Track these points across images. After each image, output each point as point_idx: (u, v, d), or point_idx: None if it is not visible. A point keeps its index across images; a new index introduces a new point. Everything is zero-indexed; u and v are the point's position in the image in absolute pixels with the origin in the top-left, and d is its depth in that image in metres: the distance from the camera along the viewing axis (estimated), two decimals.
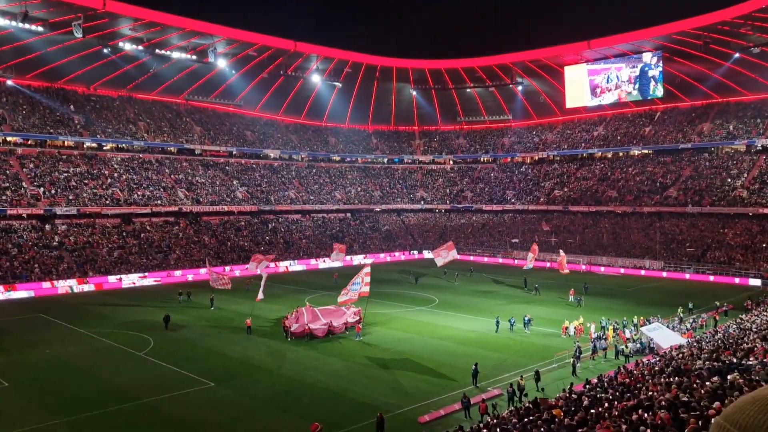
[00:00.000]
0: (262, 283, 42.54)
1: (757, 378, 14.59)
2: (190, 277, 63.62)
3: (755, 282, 58.77)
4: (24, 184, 64.27)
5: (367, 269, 38.70)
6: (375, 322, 40.60)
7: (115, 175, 72.81)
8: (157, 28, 71.88)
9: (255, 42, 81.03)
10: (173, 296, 50.15)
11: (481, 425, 18.28)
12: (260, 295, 41.81)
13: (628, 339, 33.89)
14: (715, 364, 19.13)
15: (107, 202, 67.95)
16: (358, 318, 38.53)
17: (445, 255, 55.33)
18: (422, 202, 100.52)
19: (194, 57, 79.24)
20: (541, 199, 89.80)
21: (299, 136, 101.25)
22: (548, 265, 68.10)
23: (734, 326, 32.24)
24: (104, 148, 75.81)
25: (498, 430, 16.80)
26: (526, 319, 38.46)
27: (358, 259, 79.34)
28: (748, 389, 13.47)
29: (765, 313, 35.35)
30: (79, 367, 30.44)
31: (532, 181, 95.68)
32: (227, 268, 65.17)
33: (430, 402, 25.06)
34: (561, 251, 60.31)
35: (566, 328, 37.15)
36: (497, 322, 38.24)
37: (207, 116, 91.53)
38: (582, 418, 15.60)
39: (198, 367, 30.28)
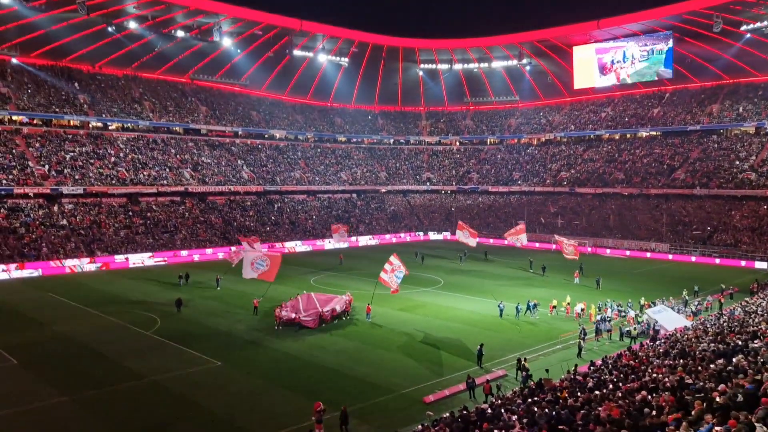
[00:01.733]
0: (245, 262, 41.13)
1: (762, 360, 14.57)
2: (196, 257, 63.94)
3: (761, 265, 58.57)
4: (30, 163, 64.42)
5: (393, 259, 37.31)
6: (382, 303, 40.74)
7: (121, 154, 72.85)
8: (162, 6, 71.39)
9: (260, 21, 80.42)
10: (176, 279, 49.55)
11: (486, 405, 18.38)
12: (249, 273, 40.40)
13: (633, 319, 34.09)
14: (719, 346, 19.12)
15: (113, 181, 68.09)
16: (346, 307, 36.60)
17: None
18: (428, 183, 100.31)
19: (199, 36, 78.75)
20: (548, 181, 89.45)
21: (305, 116, 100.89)
22: (554, 246, 68.02)
23: (739, 309, 32.18)
24: (110, 127, 75.75)
25: (502, 410, 16.89)
26: (531, 304, 37.82)
27: (363, 240, 79.53)
28: (752, 372, 13.47)
29: None
30: (86, 346, 30.74)
31: (538, 162, 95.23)
32: (233, 249, 65.36)
33: (435, 382, 25.20)
34: (557, 236, 60.21)
35: (553, 307, 38.30)
36: (500, 307, 37.42)
37: (212, 96, 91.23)
38: (586, 399, 15.66)
39: (204, 346, 30.51)
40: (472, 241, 56.80)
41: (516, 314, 37.14)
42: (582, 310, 36.86)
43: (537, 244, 72.42)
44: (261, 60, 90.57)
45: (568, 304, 38.56)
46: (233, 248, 51.57)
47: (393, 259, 37.51)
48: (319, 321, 34.20)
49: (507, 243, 72.94)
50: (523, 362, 25.49)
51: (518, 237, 57.43)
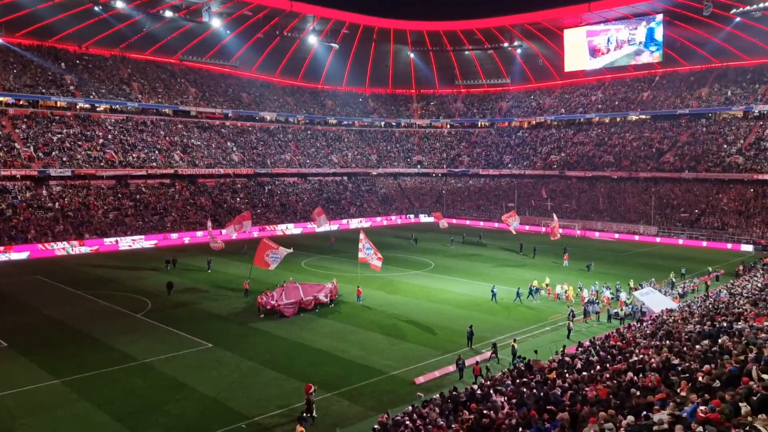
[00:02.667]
0: (277, 252, 39.40)
1: (746, 341, 14.80)
2: (186, 240, 63.76)
3: (747, 248, 59.22)
4: (17, 145, 63.65)
5: (361, 236, 37.80)
6: (372, 285, 40.91)
7: (110, 136, 72.13)
8: None
9: (250, 1, 79.38)
10: (163, 263, 48.41)
11: (475, 387, 18.58)
12: (271, 265, 38.99)
13: (614, 302, 34.57)
14: (705, 328, 19.40)
15: (102, 163, 67.49)
16: (331, 295, 35.74)
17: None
18: (419, 166, 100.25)
19: (188, 16, 77.72)
20: (538, 164, 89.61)
21: (296, 98, 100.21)
22: (543, 229, 68.42)
23: (725, 291, 32.59)
24: (98, 109, 74.89)
25: (492, 391, 17.08)
26: (533, 288, 37.51)
27: (354, 223, 79.52)
28: (737, 353, 13.69)
29: (755, 279, 35.71)
30: (76, 329, 30.68)
31: (529, 145, 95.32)
32: (224, 231, 65.19)
33: (425, 364, 25.42)
34: (555, 216, 60.69)
35: (556, 294, 38.18)
36: (493, 291, 36.94)
37: (202, 77, 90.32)
38: (574, 380, 15.86)
39: (196, 328, 30.57)
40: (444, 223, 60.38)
41: (516, 298, 36.53)
42: (566, 292, 37.22)
43: (527, 227, 72.75)
44: (251, 41, 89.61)
45: (548, 285, 38.88)
46: (205, 231, 50.04)
47: (361, 236, 37.77)
48: (297, 309, 33.47)
49: (497, 226, 73.26)
50: (494, 346, 25.82)
51: (509, 221, 57.81)
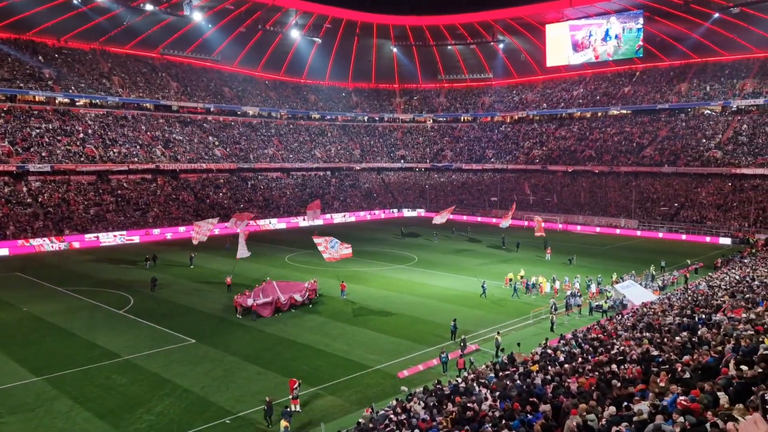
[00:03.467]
0: (241, 240, 41.64)
1: (724, 333, 15.04)
2: (168, 236, 63.21)
3: (725, 241, 60.10)
4: None
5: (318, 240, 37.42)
6: (356, 280, 40.89)
7: (90, 131, 71.19)
8: None
9: None
10: (142, 261, 47.37)
11: (459, 380, 18.68)
12: (244, 252, 40.87)
13: (602, 295, 34.93)
14: (684, 319, 19.67)
15: (82, 159, 66.58)
16: (307, 295, 34.65)
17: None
18: (402, 161, 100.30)
19: (169, 9, 76.81)
20: (520, 159, 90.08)
21: (278, 93, 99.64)
22: (526, 223, 68.85)
23: (704, 284, 33.08)
24: (77, 103, 73.87)
25: (475, 384, 17.20)
26: (530, 283, 37.75)
27: (338, 218, 79.41)
28: (715, 344, 13.91)
29: (733, 271, 36.29)
30: (57, 326, 30.31)
31: (511, 140, 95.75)
32: (197, 227, 64.69)
33: (409, 357, 25.51)
34: (537, 217, 60.96)
35: (509, 279, 38.93)
36: (483, 287, 36.62)
37: (183, 71, 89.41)
38: (557, 373, 16.02)
39: (178, 324, 30.36)
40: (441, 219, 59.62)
41: (513, 294, 36.65)
42: (539, 284, 37.79)
43: (509, 222, 72.93)
44: (233, 35, 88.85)
45: (522, 277, 39.14)
46: (194, 227, 49.50)
47: (316, 240, 37.32)
48: (274, 310, 32.67)
49: (480, 220, 73.73)
50: (497, 337, 25.96)
51: (502, 222, 59.43)
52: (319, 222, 71.00)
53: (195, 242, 45.73)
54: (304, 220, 71.09)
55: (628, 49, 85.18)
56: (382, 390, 21.95)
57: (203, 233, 45.34)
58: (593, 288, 36.75)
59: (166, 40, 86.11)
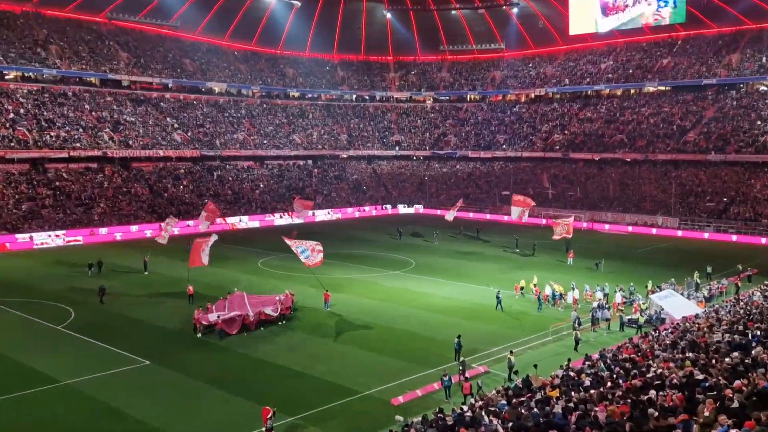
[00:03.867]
0: (209, 243, 41.04)
1: None
2: (118, 236, 62.99)
3: None
4: None
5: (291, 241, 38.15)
6: (342, 288, 40.79)
7: (22, 111, 70.81)
8: None
9: None
10: (92, 262, 47.00)
11: (465, 408, 18.60)
12: (205, 260, 40.75)
13: (629, 307, 35.01)
14: (735, 337, 19.65)
15: (12, 144, 66.21)
16: (282, 310, 33.97)
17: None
18: (397, 148, 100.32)
19: None
20: (537, 145, 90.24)
21: (250, 66, 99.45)
22: (544, 221, 68.92)
23: (759, 294, 33.11)
24: (6, 77, 73.52)
25: (484, 413, 17.12)
26: (557, 294, 37.59)
27: (321, 215, 79.28)
28: None
29: None
30: None
31: (527, 123, 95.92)
32: (164, 224, 64.57)
33: (405, 381, 25.42)
34: (566, 219, 57.83)
35: (521, 288, 39.34)
36: (498, 298, 36.56)
37: (135, 39, 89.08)
38: (581, 399, 15.96)
39: (130, 342, 30.15)
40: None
41: (539, 307, 36.74)
42: (561, 294, 37.70)
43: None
44: None
45: (535, 285, 39.05)
46: (163, 224, 50.82)
47: (288, 242, 37.94)
48: (240, 327, 31.95)
49: (489, 218, 73.78)
50: (463, 365, 25.81)
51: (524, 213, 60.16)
52: (299, 221, 70.88)
53: (163, 241, 47.01)
54: (283, 216, 71.35)
55: (674, 12, 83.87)
56: (373, 419, 21.86)
57: (168, 231, 46.11)
58: (618, 298, 36.42)
59: (114, 2, 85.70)
